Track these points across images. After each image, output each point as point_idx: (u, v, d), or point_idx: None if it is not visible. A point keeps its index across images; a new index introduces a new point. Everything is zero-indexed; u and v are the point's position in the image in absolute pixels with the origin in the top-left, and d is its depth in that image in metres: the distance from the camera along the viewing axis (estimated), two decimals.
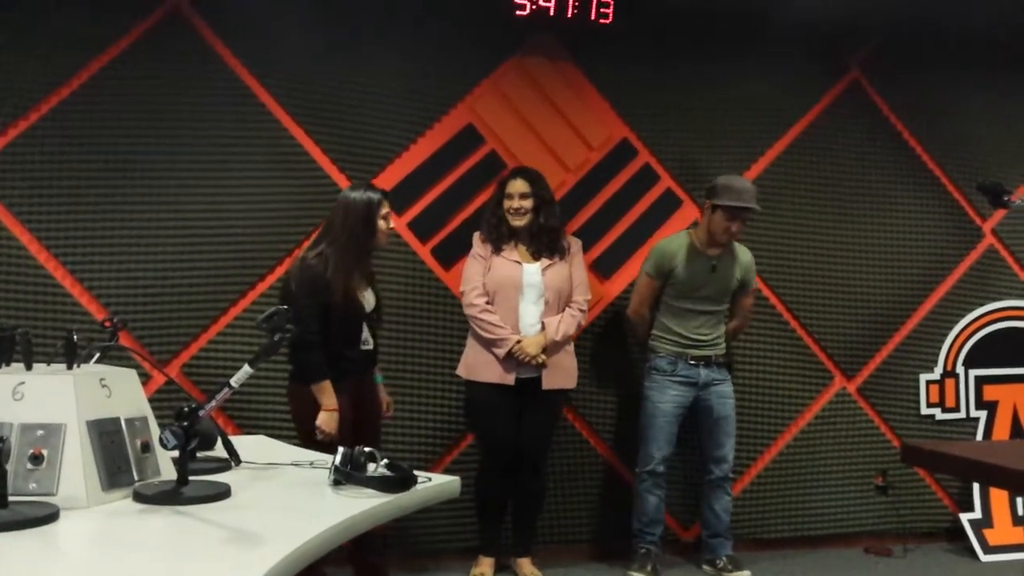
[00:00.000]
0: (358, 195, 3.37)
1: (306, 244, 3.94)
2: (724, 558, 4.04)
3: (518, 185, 3.86)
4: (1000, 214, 4.72)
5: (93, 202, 3.77)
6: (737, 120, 4.49)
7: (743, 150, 4.50)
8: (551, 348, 3.80)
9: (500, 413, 3.81)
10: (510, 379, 3.77)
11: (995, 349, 4.70)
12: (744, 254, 4.12)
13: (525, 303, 3.81)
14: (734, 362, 4.28)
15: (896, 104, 4.68)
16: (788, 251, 4.52)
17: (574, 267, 3.92)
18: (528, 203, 3.83)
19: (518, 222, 3.83)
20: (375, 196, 3.37)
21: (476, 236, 3.92)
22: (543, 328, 3.80)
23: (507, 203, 3.85)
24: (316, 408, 3.20)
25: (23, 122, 3.72)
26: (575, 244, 3.98)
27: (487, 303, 3.79)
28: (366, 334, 3.38)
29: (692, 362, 3.99)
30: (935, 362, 4.67)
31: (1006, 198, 2.98)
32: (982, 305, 4.73)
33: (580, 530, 4.27)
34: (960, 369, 4.68)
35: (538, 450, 3.93)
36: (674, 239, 4.09)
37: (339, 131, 4.05)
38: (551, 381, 3.82)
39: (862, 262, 4.62)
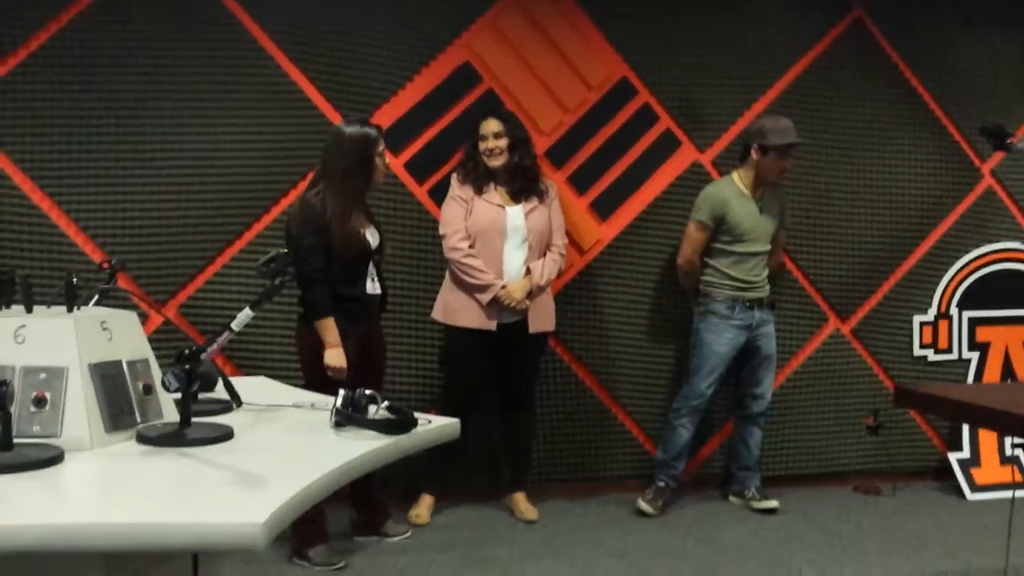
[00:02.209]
0: (353, 131, 3.31)
1: (302, 185, 3.93)
2: (754, 489, 4.16)
3: (491, 125, 3.81)
4: (999, 156, 4.70)
5: (88, 142, 3.74)
6: (738, 59, 4.43)
7: (743, 89, 4.45)
8: (535, 292, 3.79)
9: (478, 359, 3.81)
10: (492, 325, 3.75)
11: (990, 291, 4.72)
12: (780, 191, 4.18)
13: (509, 247, 3.78)
14: (777, 301, 4.29)
15: (898, 43, 4.62)
16: (785, 191, 4.49)
17: (554, 210, 3.90)
18: (502, 143, 3.78)
19: (495, 162, 3.78)
20: (371, 132, 3.32)
21: (454, 177, 3.86)
22: (527, 272, 3.79)
23: (482, 144, 3.80)
24: (320, 347, 3.21)
25: (13, 59, 3.66)
26: (552, 187, 3.95)
27: (470, 247, 3.76)
28: (372, 274, 3.36)
29: (747, 305, 4.04)
30: (929, 304, 4.69)
31: (1008, 141, 2.97)
32: (979, 247, 4.74)
33: (575, 467, 4.33)
34: (954, 311, 4.71)
35: (526, 390, 3.98)
36: (720, 185, 4.10)
37: (334, 69, 3.99)
38: (537, 324, 3.83)
39: (859, 203, 4.61)
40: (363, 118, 3.50)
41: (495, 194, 3.81)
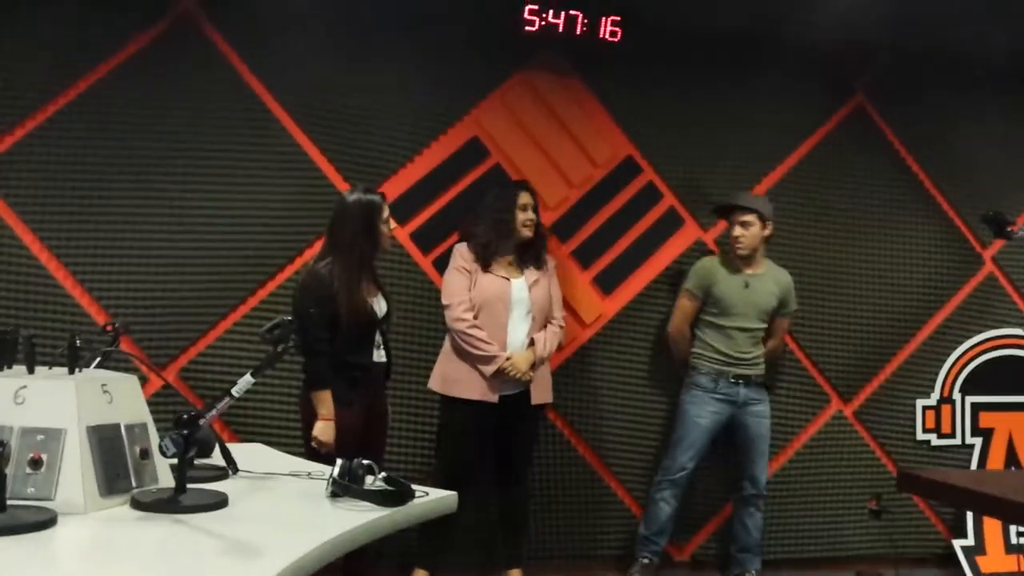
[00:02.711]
0: (356, 199, 3.33)
1: (308, 253, 3.97)
2: (753, 572, 4.09)
3: (528, 197, 3.86)
4: (1001, 242, 4.72)
5: (97, 204, 3.78)
6: (741, 141, 4.50)
7: (746, 171, 4.51)
8: (537, 364, 3.79)
9: (477, 433, 3.76)
10: (494, 397, 3.72)
11: (992, 376, 4.71)
12: (783, 276, 4.23)
13: (514, 319, 3.77)
14: (772, 383, 4.29)
15: (900, 129, 4.70)
16: (788, 272, 4.52)
17: (554, 283, 3.93)
18: (536, 215, 3.85)
19: (529, 233, 3.83)
20: (376, 199, 3.33)
21: (463, 248, 3.83)
22: (530, 344, 3.79)
23: (522, 216, 3.81)
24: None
25: (31, 122, 3.73)
26: (551, 260, 3.99)
27: (474, 318, 3.75)
28: (379, 342, 3.36)
29: (733, 380, 4.04)
30: (932, 388, 4.67)
31: (1009, 229, 3.01)
32: (980, 332, 4.74)
33: (572, 545, 4.26)
34: (957, 395, 4.69)
35: (523, 463, 3.94)
36: (713, 259, 4.21)
37: (345, 140, 4.06)
38: (539, 396, 3.83)
39: (862, 286, 4.62)
40: (367, 186, 3.52)
41: (500, 266, 3.83)
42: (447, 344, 3.82)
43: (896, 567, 4.44)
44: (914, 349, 4.66)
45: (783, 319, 4.22)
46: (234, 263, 3.91)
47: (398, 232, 3.83)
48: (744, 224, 4.06)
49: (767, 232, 4.10)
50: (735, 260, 4.12)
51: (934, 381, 4.68)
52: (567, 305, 4.26)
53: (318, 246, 3.95)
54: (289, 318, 2.06)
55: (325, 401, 3.17)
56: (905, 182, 4.71)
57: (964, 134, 4.75)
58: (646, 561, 4.03)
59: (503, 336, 3.75)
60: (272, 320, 2.08)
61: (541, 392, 3.84)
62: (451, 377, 3.76)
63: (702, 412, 4.04)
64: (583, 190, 4.34)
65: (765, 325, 4.13)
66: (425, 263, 4.13)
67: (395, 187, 4.08)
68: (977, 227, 4.69)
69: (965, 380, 4.70)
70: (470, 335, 3.70)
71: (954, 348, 4.70)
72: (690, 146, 4.45)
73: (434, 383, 3.84)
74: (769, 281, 4.14)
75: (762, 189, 4.51)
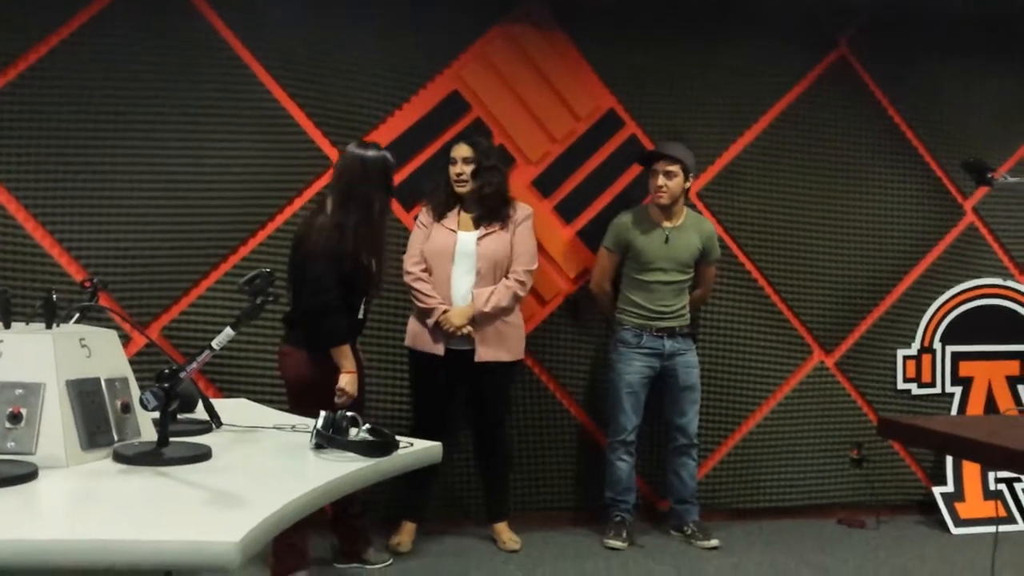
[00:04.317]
0: (374, 155, 3.28)
1: (289, 210, 3.94)
2: (692, 524, 4.11)
3: (461, 150, 3.79)
4: (981, 193, 4.74)
5: (74, 162, 3.73)
6: (723, 94, 4.47)
7: (729, 123, 4.49)
8: (481, 320, 3.74)
9: (430, 382, 3.82)
10: (439, 349, 3.74)
11: (972, 326, 4.74)
12: (704, 225, 4.20)
13: (458, 273, 3.76)
14: (699, 332, 4.32)
15: (882, 81, 4.68)
16: (770, 225, 4.53)
17: (518, 236, 3.82)
18: (469, 168, 3.76)
19: (461, 188, 3.78)
20: (390, 157, 3.33)
21: (422, 204, 3.90)
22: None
23: (451, 169, 3.80)
24: (312, 371, 3.22)
25: (1, 79, 3.66)
26: (523, 211, 3.88)
27: (423, 271, 3.77)
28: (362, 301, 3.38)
29: (657, 334, 4.04)
30: (913, 338, 4.71)
31: (989, 175, 3.02)
32: (961, 282, 4.77)
33: (558, 496, 4.31)
34: (937, 345, 4.73)
35: (489, 421, 3.93)
36: (631, 212, 4.16)
37: (324, 95, 4.01)
38: (485, 353, 3.76)
39: (843, 237, 4.64)
40: (373, 143, 3.44)
41: (454, 220, 3.81)
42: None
43: (877, 514, 4.51)
44: (895, 299, 4.70)
45: (708, 267, 4.20)
46: (215, 220, 3.88)
47: None
48: (668, 174, 4.00)
49: (688, 185, 4.08)
50: (655, 213, 4.08)
51: (915, 331, 4.72)
52: (551, 259, 4.26)
53: (299, 202, 3.95)
54: (268, 269, 2.04)
55: (347, 355, 3.23)
56: (887, 134, 4.70)
57: (946, 85, 4.74)
58: (619, 519, 4.07)
59: (448, 290, 3.75)
60: (250, 273, 2.06)
61: (491, 349, 3.76)
62: (412, 330, 3.85)
63: (631, 368, 4.05)
64: (565, 144, 4.32)
65: (688, 276, 4.11)
66: (407, 219, 4.11)
67: (376, 142, 4.04)
68: (959, 178, 4.70)
69: (945, 330, 4.74)
70: (414, 288, 3.77)
71: (935, 298, 4.73)
72: (672, 98, 4.42)
73: (406, 338, 3.90)
74: (690, 232, 4.10)
75: (745, 141, 4.50)
